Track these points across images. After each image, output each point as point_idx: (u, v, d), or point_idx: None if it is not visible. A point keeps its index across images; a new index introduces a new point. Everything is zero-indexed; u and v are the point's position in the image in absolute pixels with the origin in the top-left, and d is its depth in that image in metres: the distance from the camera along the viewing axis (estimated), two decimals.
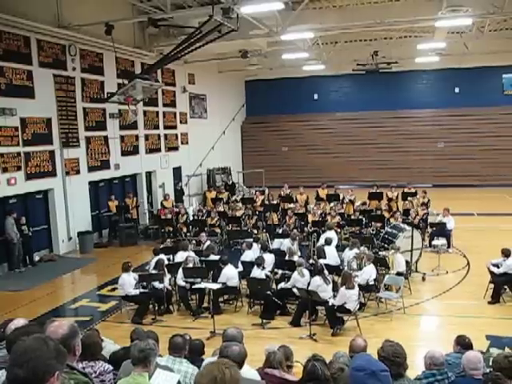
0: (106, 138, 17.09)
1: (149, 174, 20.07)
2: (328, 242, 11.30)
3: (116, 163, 17.56)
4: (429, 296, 10.48)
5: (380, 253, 11.18)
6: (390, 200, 16.68)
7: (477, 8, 14.53)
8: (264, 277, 9.77)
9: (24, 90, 13.51)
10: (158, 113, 20.48)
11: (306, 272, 9.44)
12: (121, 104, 14.47)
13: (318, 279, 8.96)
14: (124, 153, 18.05)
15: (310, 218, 14.94)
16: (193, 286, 9.85)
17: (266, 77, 27.71)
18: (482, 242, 13.91)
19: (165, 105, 20.97)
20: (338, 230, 13.95)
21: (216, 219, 15.67)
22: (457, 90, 26.97)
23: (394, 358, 3.78)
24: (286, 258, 10.73)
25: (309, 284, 9.09)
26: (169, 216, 16.17)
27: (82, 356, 3.39)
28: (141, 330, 5.74)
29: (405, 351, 3.99)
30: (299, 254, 11.60)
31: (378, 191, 16.98)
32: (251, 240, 12.17)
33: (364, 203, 16.31)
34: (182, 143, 22.39)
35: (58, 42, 14.64)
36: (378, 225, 14.03)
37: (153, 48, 18.07)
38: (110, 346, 5.35)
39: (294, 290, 9.35)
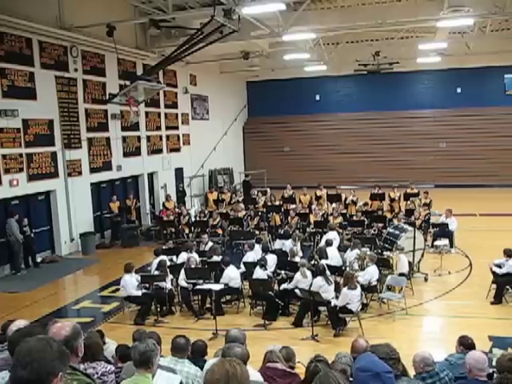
0: (107, 140, 17.09)
1: (151, 175, 20.07)
2: (330, 242, 11.28)
3: (118, 164, 17.56)
4: (431, 296, 10.47)
5: (385, 253, 11.18)
6: (392, 200, 16.66)
7: (478, 8, 14.50)
8: (266, 277, 9.78)
9: (26, 92, 13.52)
10: (159, 114, 20.48)
11: (309, 273, 9.43)
12: (122, 105, 14.51)
13: (320, 280, 8.95)
14: (126, 154, 18.05)
15: (312, 218, 14.95)
16: (195, 287, 9.85)
17: (267, 78, 27.72)
18: (484, 242, 13.86)
19: (166, 106, 20.98)
20: (340, 231, 13.93)
21: (218, 220, 15.67)
22: (459, 90, 26.91)
23: (392, 355, 3.80)
24: (288, 258, 10.74)
25: (311, 285, 9.10)
26: (171, 217, 16.18)
27: (82, 357, 3.39)
28: (143, 331, 5.74)
29: (395, 348, 4.02)
30: (301, 254, 11.61)
31: (379, 192, 16.97)
32: (253, 241, 12.16)
33: (366, 204, 16.29)
34: (183, 144, 22.39)
35: (60, 43, 14.64)
36: (380, 225, 14.03)
37: (154, 49, 18.09)
38: (112, 347, 5.35)
39: (297, 290, 9.35)
